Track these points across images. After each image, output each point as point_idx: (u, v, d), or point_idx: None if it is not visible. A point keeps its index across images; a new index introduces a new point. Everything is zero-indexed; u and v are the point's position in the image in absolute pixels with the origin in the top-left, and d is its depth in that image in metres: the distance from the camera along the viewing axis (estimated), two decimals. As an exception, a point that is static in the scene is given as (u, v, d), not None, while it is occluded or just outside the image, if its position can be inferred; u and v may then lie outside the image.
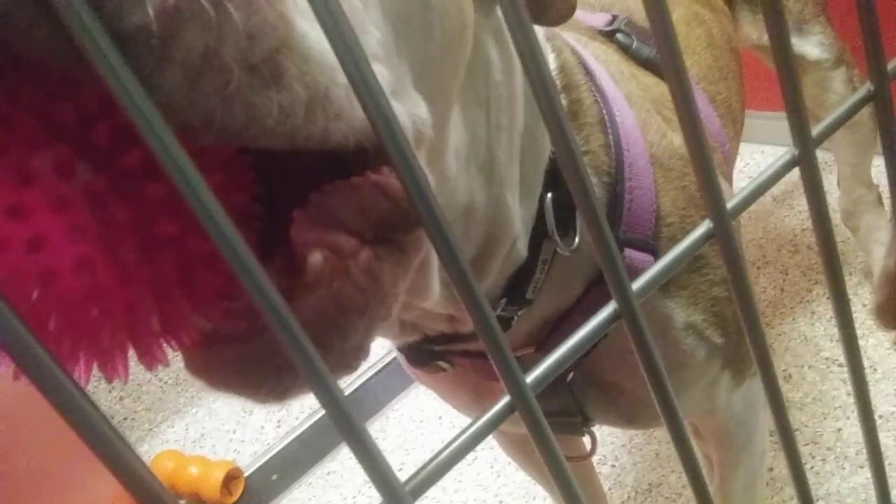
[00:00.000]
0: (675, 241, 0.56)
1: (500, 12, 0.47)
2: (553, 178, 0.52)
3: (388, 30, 0.33)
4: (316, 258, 0.27)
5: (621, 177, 0.55)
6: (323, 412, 0.29)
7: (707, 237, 0.26)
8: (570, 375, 0.61)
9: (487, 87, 0.46)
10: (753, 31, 1.05)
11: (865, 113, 1.11)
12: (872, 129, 1.15)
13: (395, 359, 1.25)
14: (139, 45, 0.20)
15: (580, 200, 0.21)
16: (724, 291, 0.60)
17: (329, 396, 0.19)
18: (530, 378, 0.23)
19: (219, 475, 1.52)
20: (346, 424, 0.19)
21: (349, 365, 0.28)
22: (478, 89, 0.45)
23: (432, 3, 0.36)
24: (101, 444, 0.17)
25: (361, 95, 0.18)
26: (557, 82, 0.55)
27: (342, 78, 0.25)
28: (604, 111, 0.56)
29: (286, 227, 0.28)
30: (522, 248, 0.52)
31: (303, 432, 1.67)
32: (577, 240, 0.52)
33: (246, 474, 1.60)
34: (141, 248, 0.22)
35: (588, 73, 0.57)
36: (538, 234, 0.52)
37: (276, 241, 0.28)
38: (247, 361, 0.26)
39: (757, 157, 1.82)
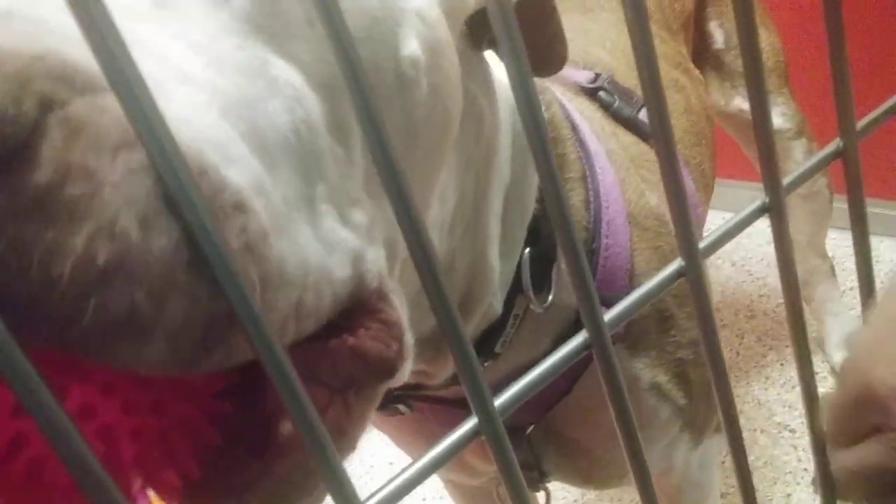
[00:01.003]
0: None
1: (486, 60, 0.48)
2: (533, 235, 0.52)
3: (368, 163, 0.31)
4: (286, 427, 0.27)
5: (598, 233, 0.55)
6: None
7: (678, 275, 0.27)
8: (530, 428, 0.60)
9: (478, 145, 0.46)
10: (720, 98, 1.08)
11: (823, 183, 1.15)
12: (829, 200, 1.19)
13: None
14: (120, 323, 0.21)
15: (555, 216, 0.21)
16: (690, 354, 0.60)
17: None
18: (499, 401, 0.22)
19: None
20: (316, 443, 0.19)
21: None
22: (468, 150, 0.45)
23: (415, 117, 0.34)
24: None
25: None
26: None
27: (312, 277, 0.26)
28: (586, 167, 0.56)
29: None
30: (498, 305, 0.51)
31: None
32: (550, 297, 0.51)
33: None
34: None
35: (574, 127, 0.57)
36: (513, 290, 0.51)
37: (254, 388, 0.27)
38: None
39: (719, 222, 1.86)
